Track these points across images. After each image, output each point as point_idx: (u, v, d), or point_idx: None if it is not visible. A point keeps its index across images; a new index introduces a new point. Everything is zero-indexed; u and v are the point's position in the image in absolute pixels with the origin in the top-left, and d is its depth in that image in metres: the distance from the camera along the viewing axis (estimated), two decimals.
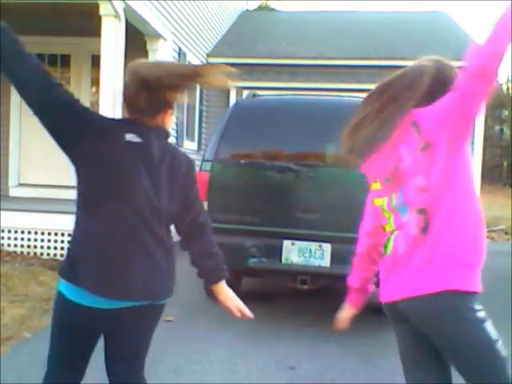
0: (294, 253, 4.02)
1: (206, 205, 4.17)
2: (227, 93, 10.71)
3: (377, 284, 1.93)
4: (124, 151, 1.76)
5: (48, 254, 6.25)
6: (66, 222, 6.26)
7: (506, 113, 31.37)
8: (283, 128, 4.14)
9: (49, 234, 6.28)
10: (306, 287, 4.09)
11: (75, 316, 1.84)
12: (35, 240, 6.28)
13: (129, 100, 1.85)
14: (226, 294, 1.94)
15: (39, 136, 8.24)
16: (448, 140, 1.64)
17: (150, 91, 1.76)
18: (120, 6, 6.23)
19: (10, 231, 6.29)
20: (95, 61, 7.74)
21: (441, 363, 1.81)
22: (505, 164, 28.90)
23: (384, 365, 3.49)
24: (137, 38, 7.50)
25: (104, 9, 6.15)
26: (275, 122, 4.19)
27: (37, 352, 3.44)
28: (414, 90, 1.75)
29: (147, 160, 1.79)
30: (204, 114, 10.65)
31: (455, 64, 1.87)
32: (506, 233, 10.97)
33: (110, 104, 6.32)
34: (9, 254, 6.10)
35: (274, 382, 3.19)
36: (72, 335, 1.90)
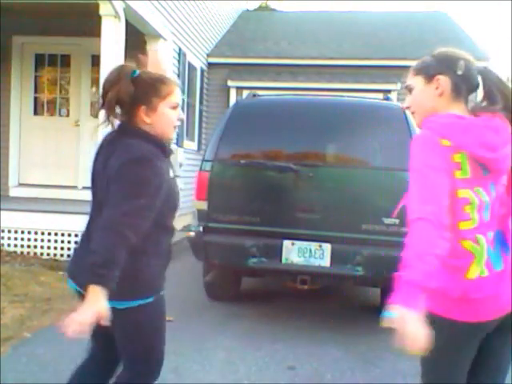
0: (294, 253, 4.02)
1: (206, 205, 4.20)
2: (227, 93, 10.72)
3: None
4: None
5: (48, 254, 6.25)
6: (66, 222, 6.27)
7: None
8: (283, 128, 4.14)
9: (49, 234, 6.28)
10: (305, 287, 4.09)
11: None
12: (35, 240, 6.28)
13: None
14: (85, 301, 1.72)
15: (39, 136, 8.26)
16: None
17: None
18: (120, 6, 6.23)
19: (9, 231, 6.29)
20: (95, 61, 7.73)
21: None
22: None
23: (384, 365, 3.49)
24: (137, 38, 7.50)
25: (104, 9, 6.15)
26: (275, 121, 4.19)
27: (37, 352, 3.45)
28: None
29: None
30: (204, 113, 10.65)
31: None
32: None
33: None
34: (9, 253, 6.10)
35: (274, 382, 3.19)
36: None
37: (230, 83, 10.68)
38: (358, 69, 10.42)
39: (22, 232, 6.29)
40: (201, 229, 4.15)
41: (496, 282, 1.68)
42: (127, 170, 1.79)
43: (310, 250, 4.00)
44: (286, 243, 4.02)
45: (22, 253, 6.22)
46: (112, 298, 1.73)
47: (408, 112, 1.93)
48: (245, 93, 6.38)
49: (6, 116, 8.17)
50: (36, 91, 8.46)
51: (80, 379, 2.24)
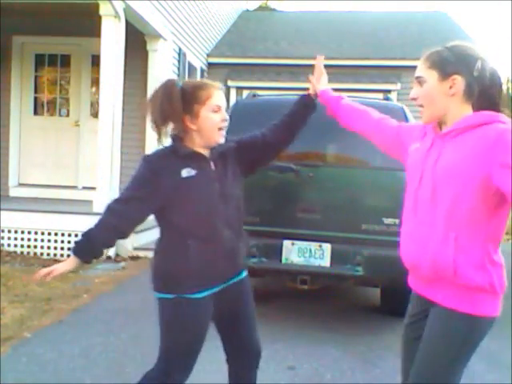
0: (294, 253, 4.01)
1: None
2: (227, 93, 10.72)
3: None
4: None
5: (48, 254, 6.26)
6: (66, 222, 6.27)
7: (506, 112, 31.39)
8: None
9: (49, 234, 6.28)
10: (305, 287, 4.08)
11: None
12: (35, 240, 6.29)
13: None
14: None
15: (39, 136, 8.26)
16: None
17: None
18: (120, 6, 6.23)
19: (9, 231, 6.29)
20: (95, 61, 7.74)
21: None
22: None
23: (384, 365, 3.49)
24: (137, 38, 7.50)
25: (104, 9, 6.15)
26: None
27: (37, 352, 3.45)
28: None
29: None
30: None
31: None
32: (507, 233, 10.97)
33: (110, 104, 6.32)
34: (9, 253, 6.11)
35: (274, 382, 3.19)
36: None
37: (229, 83, 10.68)
38: (357, 69, 10.42)
39: (22, 232, 6.29)
40: None
41: None
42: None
43: (310, 250, 4.00)
44: (286, 243, 4.02)
45: (22, 253, 6.22)
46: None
47: (407, 108, 1.92)
48: (245, 93, 6.38)
49: (6, 116, 8.17)
50: (36, 91, 8.47)
51: None
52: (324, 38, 11.50)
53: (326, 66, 2.38)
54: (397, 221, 3.72)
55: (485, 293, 1.70)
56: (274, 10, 23.83)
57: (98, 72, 6.61)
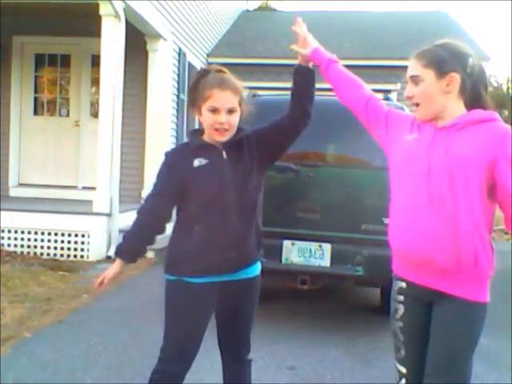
0: (294, 253, 4.01)
1: None
2: None
3: None
4: None
5: (48, 254, 6.26)
6: (66, 222, 6.27)
7: (506, 113, 31.35)
8: None
9: (49, 234, 6.28)
10: (305, 287, 4.09)
11: None
12: (35, 240, 6.28)
13: None
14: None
15: (39, 136, 8.26)
16: None
17: None
18: (120, 6, 6.23)
19: (9, 231, 6.29)
20: (95, 61, 7.74)
21: None
22: None
23: (384, 365, 3.49)
24: (137, 38, 7.50)
25: (104, 9, 6.15)
26: None
27: (37, 352, 3.45)
28: None
29: None
30: None
31: None
32: (506, 233, 10.95)
33: (110, 104, 6.32)
34: (9, 253, 6.10)
35: (274, 382, 3.19)
36: None
37: None
38: (357, 69, 10.35)
39: (22, 232, 6.29)
40: None
41: None
42: None
43: (310, 250, 4.00)
44: (286, 243, 4.02)
45: (22, 253, 6.22)
46: None
47: (406, 108, 1.93)
48: (245, 93, 6.32)
49: (6, 116, 8.17)
50: (36, 91, 8.47)
51: None
52: (324, 38, 11.39)
53: None
54: None
55: (487, 280, 1.85)
56: (274, 9, 23.83)
57: (98, 72, 6.61)
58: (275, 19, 14.76)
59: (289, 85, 2.31)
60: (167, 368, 2.08)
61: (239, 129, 2.11)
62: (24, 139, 8.32)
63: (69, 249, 6.28)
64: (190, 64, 9.55)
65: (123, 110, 6.76)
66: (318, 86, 2.25)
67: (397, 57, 10.47)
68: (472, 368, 1.88)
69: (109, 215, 6.28)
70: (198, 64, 10.26)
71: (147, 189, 7.95)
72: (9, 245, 6.27)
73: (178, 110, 8.91)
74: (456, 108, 1.83)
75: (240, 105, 2.09)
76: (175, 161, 2.11)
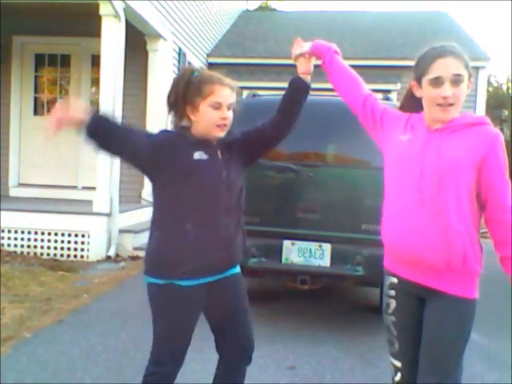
0: (294, 253, 4.01)
1: None
2: None
3: None
4: None
5: (48, 254, 6.26)
6: (66, 222, 6.27)
7: (506, 113, 31.33)
8: None
9: (49, 234, 6.28)
10: (305, 287, 4.09)
11: None
12: (35, 240, 6.29)
13: None
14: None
15: (39, 136, 8.25)
16: None
17: None
18: (120, 6, 6.23)
19: (10, 231, 6.29)
20: (95, 61, 7.74)
21: None
22: None
23: (384, 365, 3.48)
24: (137, 38, 7.50)
25: (104, 9, 6.15)
26: None
27: (37, 352, 3.45)
28: None
29: None
30: None
31: None
32: None
33: (110, 104, 6.32)
34: (9, 253, 6.11)
35: (274, 382, 3.19)
36: None
37: None
38: (357, 69, 10.30)
39: (22, 232, 6.29)
40: None
41: None
42: None
43: (310, 250, 4.00)
44: (286, 243, 4.02)
45: (22, 253, 6.22)
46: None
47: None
48: (245, 93, 6.37)
49: (6, 116, 8.17)
50: (36, 91, 8.47)
51: None
52: (324, 38, 11.37)
53: None
54: None
55: (476, 277, 1.89)
56: (274, 9, 23.85)
57: (98, 72, 6.60)
58: (275, 19, 14.76)
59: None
60: (161, 370, 2.07)
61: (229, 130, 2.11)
62: (24, 139, 8.32)
63: (69, 249, 6.28)
64: (190, 64, 9.55)
65: (123, 109, 6.76)
66: (318, 86, 2.26)
67: (397, 57, 10.47)
68: (463, 364, 1.92)
69: (109, 215, 6.28)
70: (198, 64, 10.26)
71: (147, 189, 7.95)
72: (9, 245, 6.27)
73: None
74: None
75: None
76: (178, 143, 2.01)
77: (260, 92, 5.14)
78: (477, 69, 10.15)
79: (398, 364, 2.02)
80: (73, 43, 8.11)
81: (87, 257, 6.24)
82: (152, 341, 2.11)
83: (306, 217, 4.02)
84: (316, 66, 2.33)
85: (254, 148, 2.21)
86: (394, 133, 1.98)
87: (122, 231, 6.51)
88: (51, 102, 8.51)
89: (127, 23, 6.55)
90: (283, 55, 11.00)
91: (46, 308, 4.34)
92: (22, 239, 6.29)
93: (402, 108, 2.09)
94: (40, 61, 8.42)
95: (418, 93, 1.93)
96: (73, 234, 6.26)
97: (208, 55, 10.97)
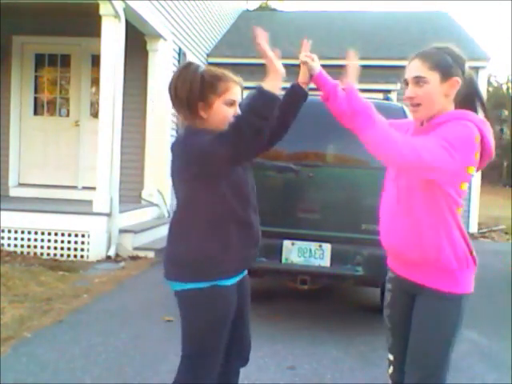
0: (294, 253, 4.02)
1: None
2: None
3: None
4: None
5: (48, 254, 6.26)
6: (66, 222, 6.27)
7: (506, 113, 31.39)
8: None
9: (49, 233, 6.28)
10: (305, 287, 4.09)
11: None
12: (35, 240, 6.29)
13: None
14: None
15: (39, 136, 8.26)
16: None
17: None
18: (120, 6, 6.23)
19: (10, 231, 6.29)
20: (95, 61, 7.75)
21: None
22: (505, 164, 28.93)
23: (384, 365, 3.48)
24: (137, 38, 7.50)
25: (104, 9, 6.15)
26: None
27: (37, 352, 3.45)
28: None
29: None
30: None
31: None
32: (506, 233, 10.95)
33: (110, 104, 6.33)
34: (9, 253, 6.11)
35: (274, 382, 3.19)
36: None
37: None
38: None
39: (22, 232, 6.29)
40: None
41: None
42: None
43: (310, 250, 4.00)
44: (286, 243, 4.02)
45: (22, 253, 6.22)
46: (168, 277, 1.97)
47: (406, 108, 1.97)
48: (245, 93, 6.36)
49: (6, 116, 8.17)
50: (36, 91, 8.47)
51: None
52: (324, 38, 11.50)
53: (326, 66, 2.38)
54: None
55: (461, 273, 1.86)
56: (274, 9, 23.86)
57: (98, 72, 6.60)
58: (275, 19, 14.74)
59: (289, 85, 2.31)
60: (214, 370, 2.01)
61: None
62: (24, 139, 8.32)
63: (69, 249, 6.28)
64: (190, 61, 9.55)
65: (123, 109, 6.76)
66: None
67: (397, 57, 10.45)
68: (450, 360, 1.92)
69: (109, 215, 6.28)
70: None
71: (147, 189, 7.95)
72: (9, 245, 6.27)
73: None
74: (450, 110, 1.88)
75: None
76: None
77: None
78: (477, 69, 10.15)
79: (391, 357, 2.07)
80: (73, 43, 8.11)
81: (87, 257, 6.24)
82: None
83: (306, 217, 4.02)
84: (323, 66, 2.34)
85: None
86: None
87: (121, 231, 6.51)
88: (51, 102, 8.52)
89: (127, 23, 6.55)
90: (283, 55, 10.95)
91: (46, 308, 4.34)
92: (22, 239, 6.29)
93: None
94: (40, 61, 8.42)
95: None
96: (73, 234, 6.26)
97: (208, 55, 10.96)
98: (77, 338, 3.72)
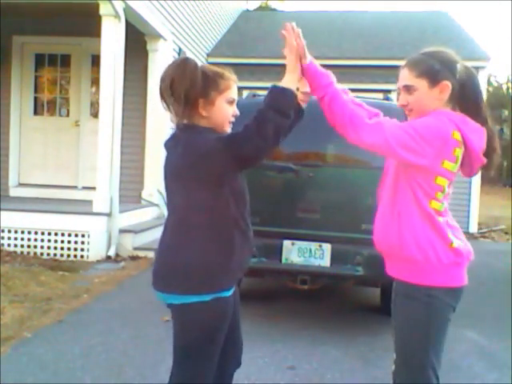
0: (294, 253, 4.02)
1: None
2: None
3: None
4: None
5: (48, 254, 6.26)
6: (66, 222, 6.27)
7: (506, 113, 31.40)
8: None
9: (49, 233, 6.28)
10: (305, 287, 4.09)
11: None
12: (35, 240, 6.29)
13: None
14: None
15: (39, 136, 8.27)
16: None
17: None
18: (120, 6, 6.23)
19: (10, 231, 6.29)
20: (95, 61, 7.75)
21: None
22: (505, 164, 28.93)
23: (384, 365, 3.49)
24: (137, 38, 7.50)
25: (104, 9, 6.16)
26: None
27: (37, 352, 3.45)
28: None
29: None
30: None
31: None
32: (506, 233, 10.95)
33: (110, 104, 6.33)
34: (9, 254, 6.11)
35: (274, 382, 3.19)
36: None
37: None
38: (358, 69, 10.41)
39: (22, 232, 6.29)
40: None
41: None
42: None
43: (310, 250, 4.00)
44: (286, 243, 4.02)
45: (22, 253, 6.22)
46: (165, 291, 1.85)
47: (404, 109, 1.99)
48: (245, 93, 6.39)
49: (6, 116, 8.18)
50: (36, 91, 8.47)
51: None
52: (324, 38, 11.50)
53: (326, 66, 2.36)
54: None
55: (427, 263, 1.85)
56: (274, 9, 23.86)
57: (97, 72, 6.61)
58: (275, 19, 14.73)
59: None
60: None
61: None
62: (24, 139, 8.32)
63: (69, 249, 6.28)
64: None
65: (123, 109, 6.76)
66: None
67: (397, 57, 10.43)
68: (436, 358, 1.88)
69: (109, 215, 6.28)
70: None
71: (147, 189, 7.96)
72: (9, 245, 6.27)
73: None
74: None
75: None
76: None
77: (260, 92, 5.13)
78: (477, 69, 10.15)
79: (394, 355, 2.06)
80: (73, 43, 8.12)
81: (87, 257, 6.24)
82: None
83: (306, 217, 4.02)
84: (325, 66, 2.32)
85: None
86: None
87: (121, 231, 6.51)
88: (51, 102, 8.52)
89: (127, 23, 6.55)
90: (283, 55, 11.00)
91: (45, 308, 4.34)
92: (22, 239, 6.29)
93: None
94: (40, 61, 8.42)
95: None
96: (73, 234, 6.26)
97: (208, 55, 10.96)
98: (77, 338, 3.72)
